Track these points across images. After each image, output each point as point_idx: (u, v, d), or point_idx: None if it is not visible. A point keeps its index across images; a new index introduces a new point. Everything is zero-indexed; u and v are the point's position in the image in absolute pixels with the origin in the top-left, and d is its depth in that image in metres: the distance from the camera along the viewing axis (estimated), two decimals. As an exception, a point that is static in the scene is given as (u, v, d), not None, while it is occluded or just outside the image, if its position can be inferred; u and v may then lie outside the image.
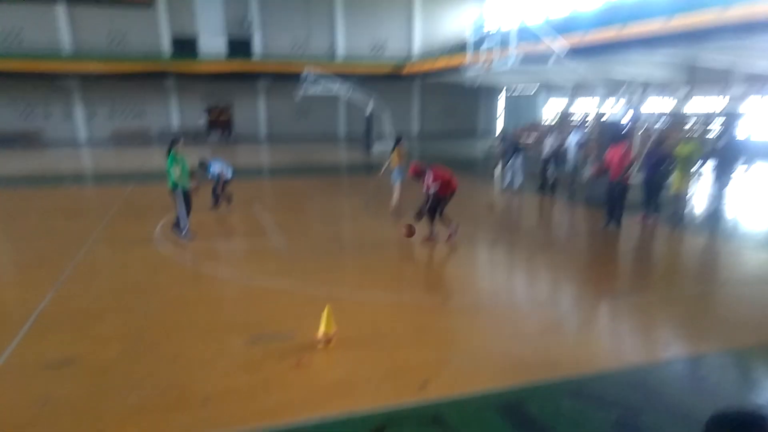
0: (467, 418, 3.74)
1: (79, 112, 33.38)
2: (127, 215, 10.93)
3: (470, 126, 40.64)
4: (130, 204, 12.17)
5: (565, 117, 23.58)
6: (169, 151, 8.56)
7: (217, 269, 7.22)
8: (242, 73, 32.63)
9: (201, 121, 35.69)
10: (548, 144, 13.53)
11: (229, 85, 34.77)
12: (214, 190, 11.08)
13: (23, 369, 4.40)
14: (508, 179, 13.92)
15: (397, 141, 10.91)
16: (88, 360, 4.55)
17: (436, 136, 37.44)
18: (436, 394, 4.02)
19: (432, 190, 7.97)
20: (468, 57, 19.01)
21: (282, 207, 11.94)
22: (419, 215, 8.24)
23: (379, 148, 26.75)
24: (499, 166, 14.82)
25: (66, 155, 24.14)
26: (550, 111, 29.24)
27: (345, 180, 18.25)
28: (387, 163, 11.21)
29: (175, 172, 8.43)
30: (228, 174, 11.02)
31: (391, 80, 35.42)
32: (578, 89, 27.55)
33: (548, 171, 13.39)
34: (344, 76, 29.10)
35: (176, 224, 8.80)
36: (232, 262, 7.71)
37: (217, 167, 10.91)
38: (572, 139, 13.76)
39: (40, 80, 30.64)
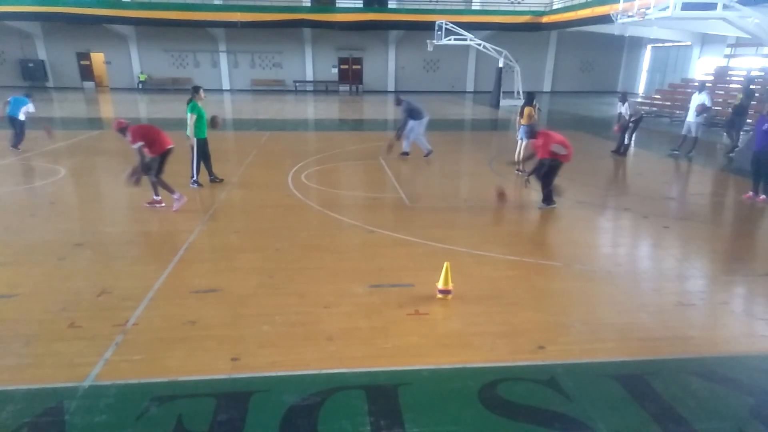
0: (584, 384, 3.63)
1: (224, 62, 36.01)
2: (264, 160, 11.75)
3: (608, 84, 37.80)
4: (267, 150, 13.02)
5: (721, 75, 20.86)
6: (190, 100, 8.82)
7: (342, 217, 7.54)
8: (375, 24, 32.81)
9: (333, 70, 36.89)
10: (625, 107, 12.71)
11: (362, 38, 35.25)
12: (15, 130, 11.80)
13: (176, 292, 4.98)
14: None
15: (529, 99, 10.54)
16: (229, 290, 5.04)
17: (570, 94, 35.34)
18: (553, 358, 3.95)
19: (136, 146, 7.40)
20: (620, 3, 17.08)
21: (405, 161, 12.03)
22: (137, 174, 7.66)
23: (507, 104, 25.88)
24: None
25: (213, 101, 26.11)
26: (704, 67, 25.91)
27: (469, 136, 17.92)
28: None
29: (191, 120, 8.72)
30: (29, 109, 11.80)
31: (527, 33, 33.66)
32: (744, 43, 24.11)
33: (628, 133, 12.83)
34: (479, 26, 28.09)
35: (192, 176, 9.07)
36: (356, 211, 7.99)
37: (18, 106, 11.65)
38: (695, 100, 12.32)
39: (192, 29, 33.26)
